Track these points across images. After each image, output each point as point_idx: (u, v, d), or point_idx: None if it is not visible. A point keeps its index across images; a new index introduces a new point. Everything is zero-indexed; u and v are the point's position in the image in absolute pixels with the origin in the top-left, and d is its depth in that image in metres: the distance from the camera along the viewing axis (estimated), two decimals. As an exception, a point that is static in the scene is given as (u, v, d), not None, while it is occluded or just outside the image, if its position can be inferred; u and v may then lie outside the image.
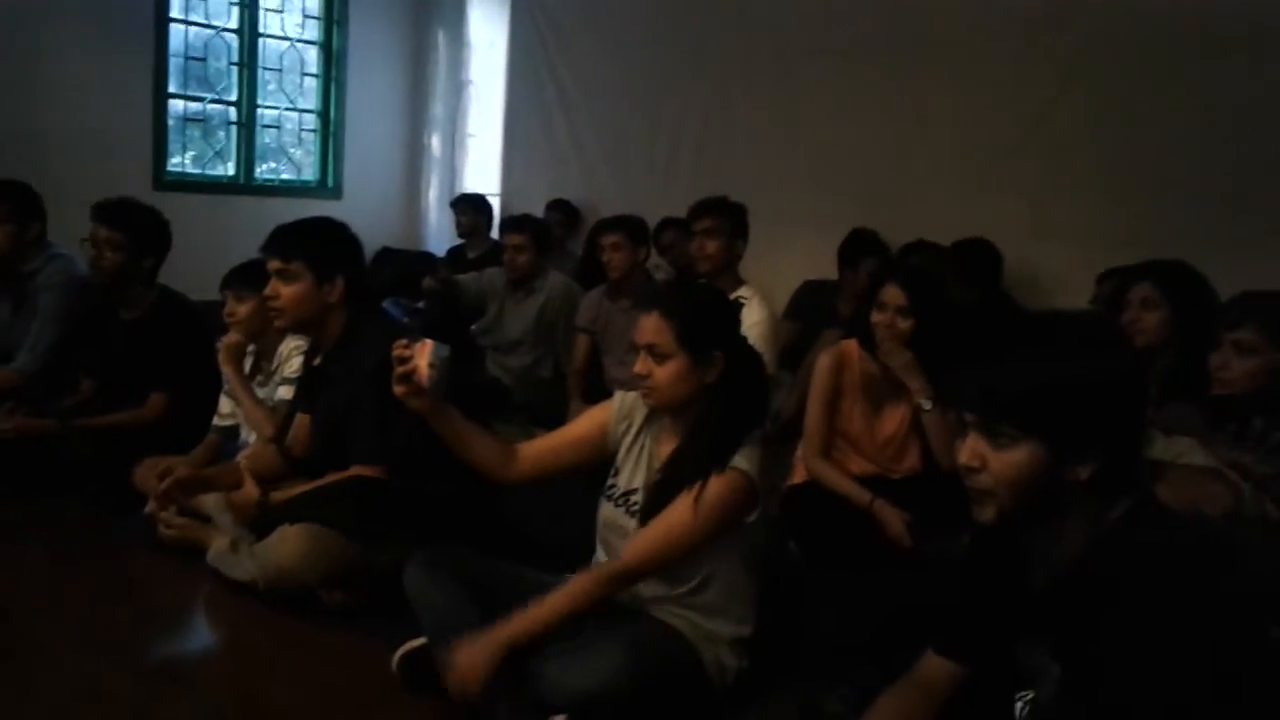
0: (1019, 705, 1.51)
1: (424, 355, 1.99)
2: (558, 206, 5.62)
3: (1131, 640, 1.33)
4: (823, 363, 2.97)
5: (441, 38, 6.78)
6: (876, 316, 2.86)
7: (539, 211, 5.25)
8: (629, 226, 4.02)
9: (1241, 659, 1.36)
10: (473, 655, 1.86)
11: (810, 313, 4.32)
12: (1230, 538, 1.48)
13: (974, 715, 1.57)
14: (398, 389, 2.00)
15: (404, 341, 2.01)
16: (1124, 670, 1.33)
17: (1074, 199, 4.03)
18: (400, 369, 1.99)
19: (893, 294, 2.85)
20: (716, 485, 1.94)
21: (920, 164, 4.34)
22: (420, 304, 4.87)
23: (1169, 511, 1.45)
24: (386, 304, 4.95)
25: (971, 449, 1.45)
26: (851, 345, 2.97)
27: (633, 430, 2.17)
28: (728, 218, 3.48)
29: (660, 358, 2.01)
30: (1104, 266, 3.71)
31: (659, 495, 2.01)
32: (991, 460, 1.43)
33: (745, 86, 4.73)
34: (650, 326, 2.02)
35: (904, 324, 2.83)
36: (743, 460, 1.97)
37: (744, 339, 2.14)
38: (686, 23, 4.91)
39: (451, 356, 2.02)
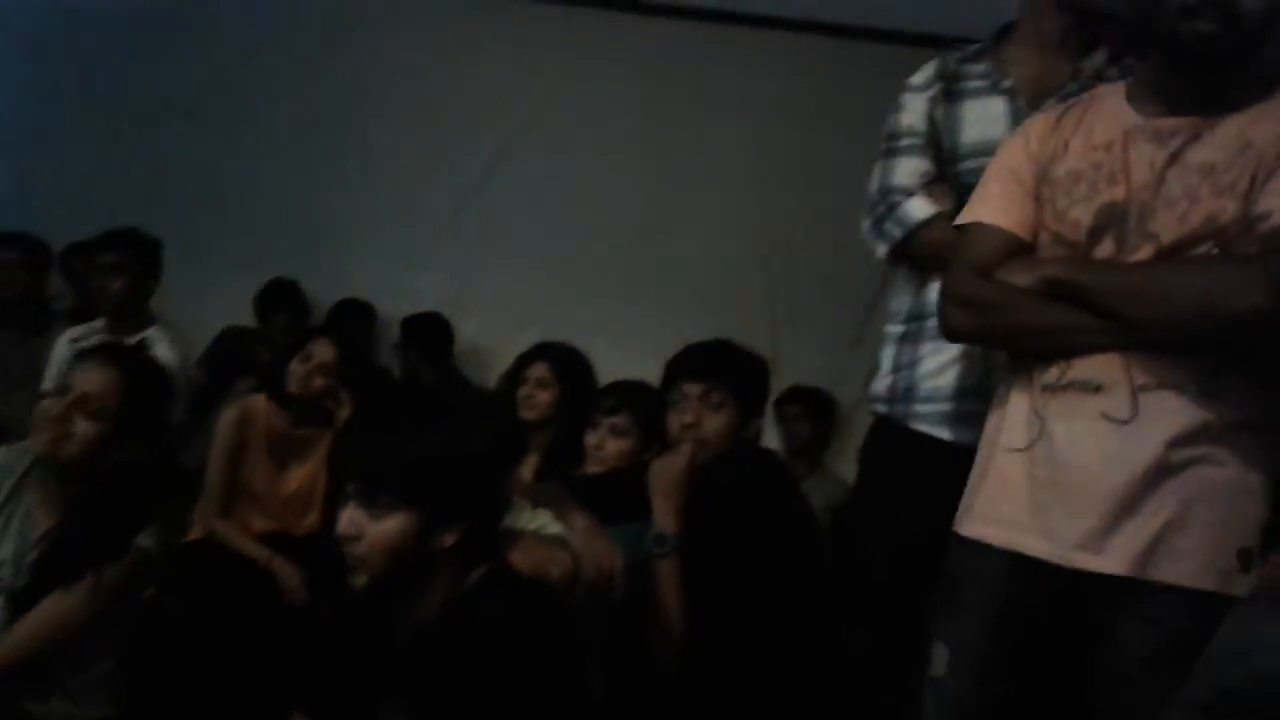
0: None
1: None
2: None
3: (478, 697, 1.46)
4: (227, 417, 2.90)
5: None
6: (296, 366, 2.88)
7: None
8: (24, 246, 3.62)
9: (570, 706, 1.55)
10: None
11: (227, 360, 4.14)
12: (564, 598, 1.68)
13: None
14: None
15: None
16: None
17: (495, 273, 4.29)
18: None
19: (322, 349, 2.89)
20: (114, 571, 1.84)
21: (359, 222, 4.37)
22: None
23: (517, 577, 1.62)
24: None
25: (350, 519, 1.51)
26: (258, 400, 2.93)
27: (3, 492, 1.94)
28: (135, 253, 3.24)
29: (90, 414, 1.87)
30: (518, 343, 3.99)
31: (43, 577, 1.84)
32: (368, 529, 1.49)
33: (174, 115, 4.43)
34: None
35: (319, 381, 2.88)
36: (147, 538, 1.88)
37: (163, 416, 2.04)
38: (103, 47, 4.49)
39: None
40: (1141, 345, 1.40)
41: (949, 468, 1.67)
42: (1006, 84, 1.84)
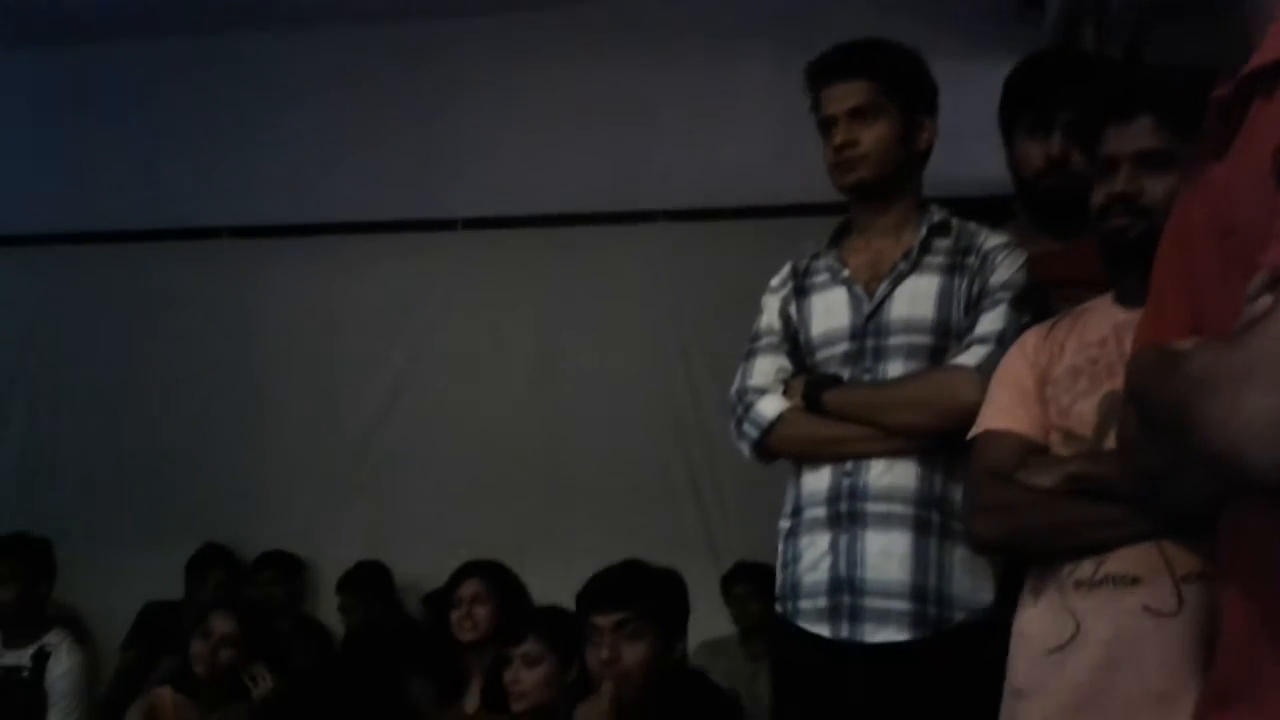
0: None
1: None
2: None
3: None
4: (132, 716, 2.76)
5: None
6: (197, 645, 2.77)
7: None
8: None
9: None
10: None
11: (154, 638, 3.98)
12: None
13: None
14: None
15: None
16: None
17: (411, 502, 4.17)
18: None
19: (220, 621, 2.79)
20: None
21: (273, 472, 4.30)
22: None
23: None
24: None
25: None
26: (164, 693, 2.80)
27: None
28: (23, 559, 3.11)
29: None
30: (446, 568, 3.88)
31: None
32: None
33: (65, 401, 4.39)
34: None
35: (226, 654, 2.77)
36: None
37: None
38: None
39: None
40: (1176, 533, 1.36)
41: (830, 666, 1.72)
42: (845, 274, 1.90)
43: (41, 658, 3.06)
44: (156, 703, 2.75)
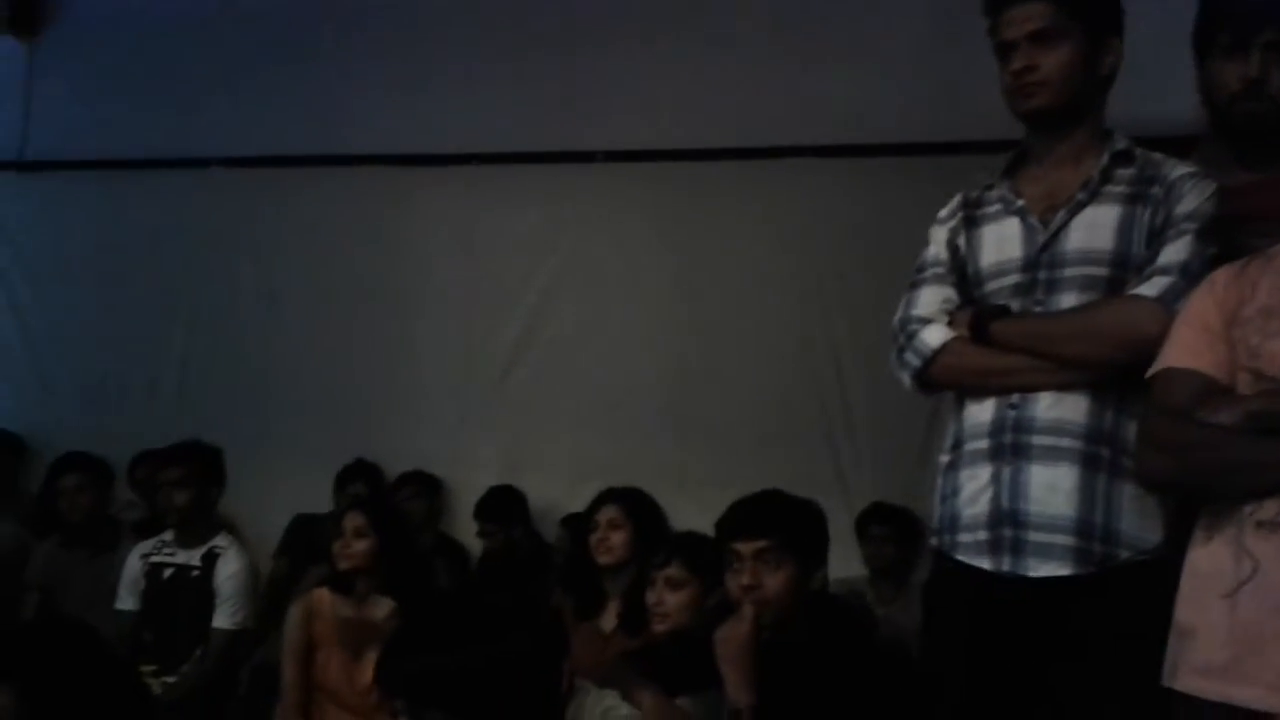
0: None
1: None
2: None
3: None
4: (293, 615, 2.93)
5: None
6: (336, 548, 2.92)
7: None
8: (90, 467, 3.71)
9: None
10: None
11: (303, 548, 4.19)
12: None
13: None
14: None
15: None
16: None
17: (548, 430, 4.27)
18: None
19: (353, 519, 2.95)
20: None
21: (410, 397, 4.45)
22: None
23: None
24: None
25: None
26: (321, 593, 2.95)
27: None
28: (198, 465, 3.31)
29: None
30: (580, 497, 3.96)
31: None
32: None
33: (222, 320, 4.61)
34: None
35: (359, 545, 2.91)
36: None
37: None
38: (149, 259, 4.69)
39: None
40: None
41: (990, 599, 1.71)
42: (1019, 204, 1.84)
43: (211, 559, 3.24)
44: (315, 603, 2.91)
